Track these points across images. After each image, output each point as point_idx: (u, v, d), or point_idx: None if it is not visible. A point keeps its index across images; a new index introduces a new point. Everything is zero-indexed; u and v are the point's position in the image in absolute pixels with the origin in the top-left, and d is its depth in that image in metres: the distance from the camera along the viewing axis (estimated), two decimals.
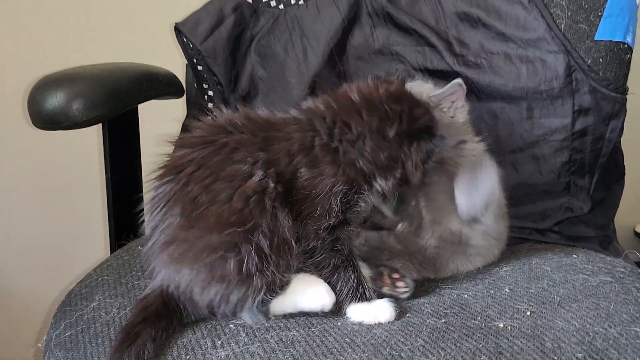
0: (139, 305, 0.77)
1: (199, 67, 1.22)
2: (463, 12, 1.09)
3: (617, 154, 1.09)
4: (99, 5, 1.57)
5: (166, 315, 0.76)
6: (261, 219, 0.74)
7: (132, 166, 1.16)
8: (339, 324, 0.79)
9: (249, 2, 1.19)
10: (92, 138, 1.48)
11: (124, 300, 0.86)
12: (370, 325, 0.78)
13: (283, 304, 0.78)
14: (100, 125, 1.11)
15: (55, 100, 0.97)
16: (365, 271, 0.84)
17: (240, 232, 0.73)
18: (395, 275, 0.85)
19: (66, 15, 1.56)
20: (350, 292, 0.80)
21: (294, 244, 0.77)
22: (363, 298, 0.80)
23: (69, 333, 0.82)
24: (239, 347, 0.73)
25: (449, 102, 0.90)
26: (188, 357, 0.73)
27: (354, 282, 0.80)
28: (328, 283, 0.80)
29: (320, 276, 0.81)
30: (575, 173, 1.07)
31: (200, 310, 0.78)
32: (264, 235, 0.74)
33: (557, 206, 1.09)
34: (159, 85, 1.15)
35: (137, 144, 1.17)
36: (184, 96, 1.27)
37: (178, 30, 1.19)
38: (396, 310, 0.79)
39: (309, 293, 0.79)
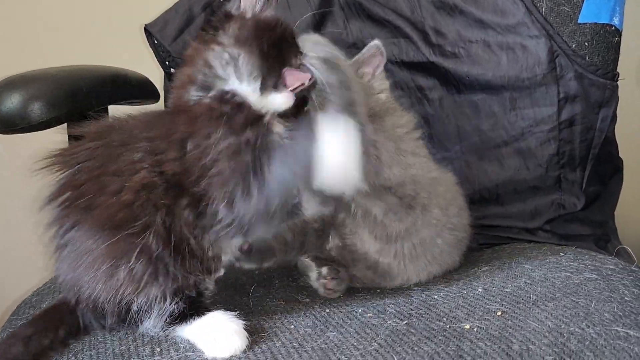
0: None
1: (172, 70, 1.18)
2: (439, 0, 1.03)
3: (610, 145, 1.01)
4: (81, 8, 1.56)
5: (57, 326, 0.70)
6: (153, 216, 0.67)
7: None
8: (292, 326, 0.72)
9: (219, 1, 1.15)
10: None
11: None
12: (324, 325, 0.72)
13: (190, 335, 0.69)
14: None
15: (9, 102, 0.94)
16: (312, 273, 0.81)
17: (129, 234, 0.66)
18: (328, 278, 0.81)
19: (39, 19, 1.55)
20: None
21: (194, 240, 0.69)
22: None
23: None
24: (177, 355, 0.67)
25: (370, 68, 0.82)
26: None
27: None
28: None
29: None
30: (565, 166, 1.00)
31: (108, 319, 0.70)
32: (157, 235, 0.66)
33: (548, 203, 1.01)
34: (127, 87, 1.11)
35: None
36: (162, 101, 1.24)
37: (148, 31, 1.16)
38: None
39: (219, 338, 0.67)
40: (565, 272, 0.78)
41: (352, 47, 1.10)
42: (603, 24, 0.96)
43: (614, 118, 0.99)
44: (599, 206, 1.04)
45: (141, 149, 0.69)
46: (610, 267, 0.80)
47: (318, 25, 1.10)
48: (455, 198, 0.85)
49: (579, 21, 0.96)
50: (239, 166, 0.65)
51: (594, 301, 0.69)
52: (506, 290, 0.76)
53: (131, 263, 0.65)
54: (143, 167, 0.68)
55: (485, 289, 0.77)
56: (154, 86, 1.21)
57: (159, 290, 0.67)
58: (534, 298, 0.72)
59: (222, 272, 0.75)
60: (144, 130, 0.70)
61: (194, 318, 0.69)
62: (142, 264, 0.66)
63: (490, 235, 1.01)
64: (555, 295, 0.72)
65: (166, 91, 1.22)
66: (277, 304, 0.80)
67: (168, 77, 1.19)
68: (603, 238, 1.02)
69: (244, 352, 0.66)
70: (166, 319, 0.68)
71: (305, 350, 0.66)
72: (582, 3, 0.95)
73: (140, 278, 0.66)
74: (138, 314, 0.67)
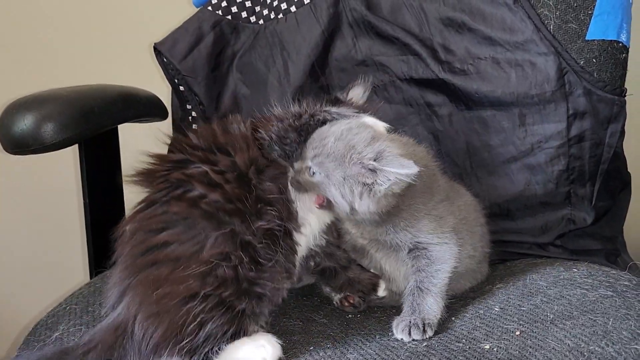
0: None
1: (181, 88, 1.19)
2: (447, 17, 1.04)
3: (619, 160, 1.02)
4: (86, 28, 1.56)
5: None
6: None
7: (113, 190, 1.12)
8: (311, 347, 0.73)
9: (228, 19, 1.15)
10: (69, 162, 1.45)
11: (89, 330, 0.81)
12: (344, 347, 0.72)
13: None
14: (77, 149, 1.08)
15: (23, 123, 0.94)
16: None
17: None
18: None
19: (49, 39, 1.55)
20: None
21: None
22: None
23: None
24: None
25: None
26: None
27: None
28: None
29: None
30: (575, 182, 1.00)
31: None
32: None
33: (558, 218, 1.02)
34: (137, 106, 1.12)
35: (117, 167, 1.13)
36: (170, 120, 1.24)
37: (157, 50, 1.16)
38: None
39: (250, 345, 0.71)
40: (581, 289, 0.79)
41: (362, 65, 1.11)
42: (610, 40, 0.97)
43: (622, 133, 1.00)
44: (608, 221, 1.05)
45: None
46: (625, 283, 0.81)
47: (327, 42, 1.11)
48: (478, 217, 0.88)
49: (586, 38, 0.97)
50: None
51: (611, 319, 0.70)
52: (523, 309, 0.76)
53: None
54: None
55: (502, 308, 0.78)
56: (163, 104, 1.21)
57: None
58: (551, 317, 0.72)
59: None
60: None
61: None
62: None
63: (502, 251, 1.02)
64: (572, 313, 0.72)
65: (174, 109, 1.23)
66: (295, 324, 0.81)
67: (177, 95, 1.20)
68: (613, 253, 1.02)
69: None
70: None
71: None
72: (590, 20, 0.96)
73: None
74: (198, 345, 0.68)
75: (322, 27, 1.09)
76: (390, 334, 0.75)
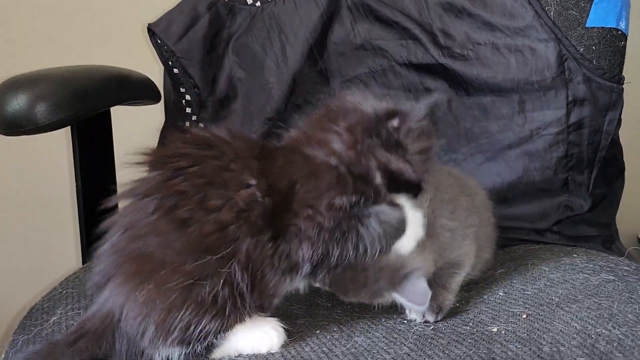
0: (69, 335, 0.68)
1: (175, 70, 1.17)
2: (447, 2, 1.03)
3: (616, 148, 1.03)
4: (77, 8, 1.53)
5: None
6: (244, 241, 0.65)
7: (105, 174, 1.09)
8: (317, 331, 0.72)
9: (225, 0, 1.13)
10: (61, 144, 1.42)
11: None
12: (350, 330, 0.72)
13: (223, 350, 0.68)
14: (69, 131, 1.05)
15: (16, 103, 0.91)
16: None
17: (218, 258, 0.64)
18: None
19: (41, 19, 1.51)
20: None
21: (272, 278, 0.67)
22: None
23: (27, 350, 0.76)
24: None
25: None
26: None
27: None
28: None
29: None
30: (573, 169, 1.01)
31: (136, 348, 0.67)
32: (242, 266, 0.65)
33: (556, 205, 1.03)
34: (130, 88, 1.09)
35: (110, 150, 1.11)
36: (161, 103, 1.22)
37: (151, 31, 1.14)
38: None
39: (254, 333, 0.68)
40: (583, 274, 0.79)
41: (360, 49, 1.10)
42: (610, 28, 0.97)
43: (619, 121, 1.01)
44: (604, 208, 1.06)
45: (252, 167, 0.67)
46: (625, 268, 0.82)
47: (325, 26, 1.10)
48: (484, 204, 0.88)
49: (586, 25, 0.97)
50: (331, 239, 0.67)
51: (615, 302, 0.70)
52: (527, 292, 0.77)
53: (215, 288, 0.64)
54: (251, 184, 0.66)
55: (506, 292, 0.78)
56: (156, 87, 1.19)
57: (225, 321, 0.65)
58: (556, 300, 0.73)
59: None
60: (255, 153, 0.69)
61: None
62: (225, 291, 0.64)
63: (499, 237, 1.02)
64: (577, 297, 0.73)
65: (166, 92, 1.21)
66: (298, 307, 0.80)
67: (171, 77, 1.17)
68: (609, 239, 1.04)
69: (280, 352, 0.66)
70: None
71: (335, 355, 0.66)
72: (590, 7, 0.97)
73: (220, 304, 0.64)
74: (193, 339, 0.65)
75: (321, 10, 1.08)
76: (395, 317, 0.75)
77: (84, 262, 1.08)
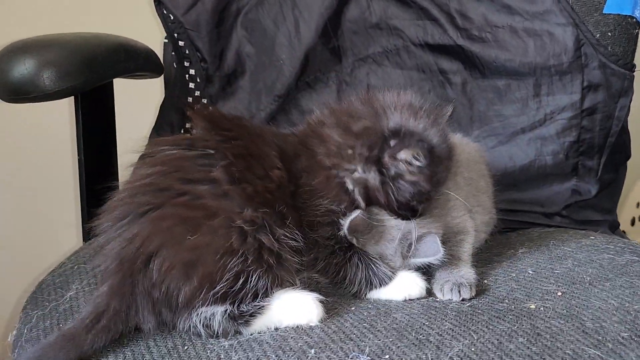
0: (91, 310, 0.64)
1: (180, 43, 1.13)
2: None
3: (625, 134, 1.05)
4: None
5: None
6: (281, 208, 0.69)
7: (107, 148, 1.05)
8: (353, 308, 0.71)
9: None
10: (63, 115, 1.36)
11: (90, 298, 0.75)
12: (386, 308, 0.71)
13: (263, 320, 0.67)
14: (72, 102, 1.01)
15: (23, 67, 0.87)
16: None
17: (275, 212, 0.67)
18: None
19: None
20: (364, 280, 0.73)
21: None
22: (380, 283, 0.73)
23: (43, 326, 0.72)
24: (245, 336, 0.65)
25: None
26: (186, 347, 0.64)
27: (364, 270, 0.73)
28: (341, 280, 0.74)
29: (327, 279, 0.75)
30: (583, 154, 1.03)
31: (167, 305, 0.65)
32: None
33: (565, 189, 1.04)
34: (137, 59, 1.05)
35: (112, 123, 1.07)
36: (161, 78, 1.18)
37: (158, 0, 1.10)
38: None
39: (295, 307, 0.68)
40: (607, 254, 0.81)
41: (375, 28, 1.09)
42: (625, 15, 0.99)
43: (629, 109, 1.03)
44: (609, 194, 1.08)
45: (275, 151, 0.71)
46: None
47: (341, 3, 1.08)
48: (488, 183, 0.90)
49: (603, 11, 0.99)
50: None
51: None
52: (556, 271, 0.77)
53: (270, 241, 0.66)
54: (279, 167, 0.70)
55: (535, 271, 0.78)
56: (159, 59, 1.15)
57: (273, 278, 0.66)
58: (588, 279, 0.74)
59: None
60: (274, 139, 0.74)
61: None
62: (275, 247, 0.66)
63: (510, 220, 1.03)
64: (607, 275, 0.74)
65: (166, 66, 1.17)
66: (327, 286, 0.78)
67: (175, 50, 1.14)
68: (614, 224, 1.06)
69: (316, 328, 0.65)
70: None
71: (378, 330, 0.65)
72: None
73: (272, 259, 0.66)
74: (239, 294, 0.65)
75: None
76: (428, 296, 0.74)
77: (84, 238, 1.04)
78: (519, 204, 1.05)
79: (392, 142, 0.70)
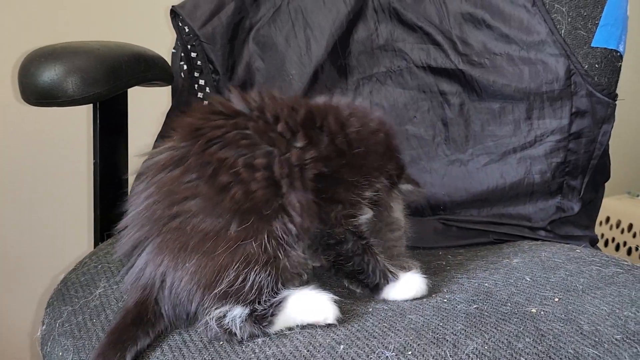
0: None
1: (192, 54, 1.18)
2: (468, 12, 1.11)
3: (605, 157, 1.14)
4: None
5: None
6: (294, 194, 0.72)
7: (120, 153, 1.09)
8: (370, 310, 0.77)
9: None
10: (81, 121, 1.39)
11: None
12: (400, 309, 0.77)
13: (280, 322, 0.71)
14: (89, 108, 1.05)
15: (53, 72, 0.91)
16: None
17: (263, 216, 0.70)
18: None
19: None
20: (381, 274, 0.79)
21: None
22: (393, 276, 0.80)
23: (75, 320, 0.76)
24: (275, 332, 0.70)
25: None
26: (221, 342, 0.68)
27: (380, 264, 0.80)
28: (358, 271, 0.79)
29: (346, 267, 0.80)
30: (569, 174, 1.11)
31: (185, 313, 0.70)
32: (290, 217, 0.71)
33: (550, 206, 1.13)
34: (154, 68, 1.10)
35: (125, 130, 1.11)
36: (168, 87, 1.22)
37: (174, 12, 1.14)
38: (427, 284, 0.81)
39: (311, 306, 0.73)
40: (595, 266, 0.89)
41: (381, 49, 1.16)
42: (611, 49, 1.08)
43: (610, 134, 1.12)
44: (588, 211, 1.17)
45: (297, 129, 0.76)
46: (625, 263, 0.92)
47: (351, 24, 1.15)
48: None
49: (592, 45, 1.08)
50: None
51: (632, 290, 0.80)
52: (551, 280, 0.85)
53: (262, 242, 0.69)
54: (299, 147, 0.75)
55: (532, 279, 0.86)
56: (170, 68, 1.19)
57: (275, 270, 0.70)
58: (580, 287, 0.81)
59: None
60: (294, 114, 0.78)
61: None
62: (272, 242, 0.69)
63: (499, 233, 1.11)
64: (598, 285, 0.82)
65: (175, 74, 1.21)
66: (340, 291, 0.84)
67: (187, 61, 1.18)
68: (594, 239, 1.14)
69: (340, 327, 0.70)
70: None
71: (398, 329, 0.70)
72: (596, 29, 1.07)
73: (268, 254, 0.69)
74: (252, 292, 0.68)
75: (349, 9, 1.13)
76: (432, 298, 0.81)
77: (96, 239, 1.07)
78: (507, 218, 1.13)
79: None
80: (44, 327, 0.79)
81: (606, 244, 2.07)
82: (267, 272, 0.70)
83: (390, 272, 0.80)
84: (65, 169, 1.51)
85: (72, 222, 1.48)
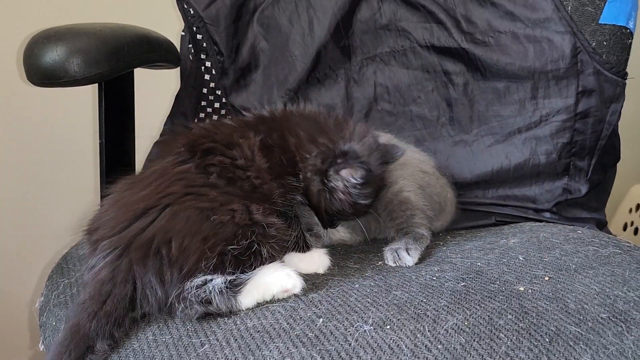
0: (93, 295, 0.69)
1: (198, 36, 1.19)
2: None
3: (615, 137, 1.11)
4: None
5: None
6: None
7: (126, 134, 1.11)
8: (357, 286, 0.77)
9: None
10: (87, 100, 1.42)
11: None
12: (387, 286, 0.77)
13: (251, 290, 0.73)
14: (95, 89, 1.07)
15: (55, 53, 0.93)
16: None
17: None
18: None
19: None
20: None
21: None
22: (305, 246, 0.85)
23: (70, 292, 0.78)
24: (259, 307, 0.71)
25: None
26: (207, 321, 0.70)
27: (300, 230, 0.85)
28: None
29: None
30: (575, 155, 1.09)
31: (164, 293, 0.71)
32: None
33: (557, 187, 1.10)
34: (159, 49, 1.11)
35: (132, 110, 1.12)
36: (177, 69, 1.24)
37: None
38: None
39: (277, 275, 0.75)
40: (592, 247, 0.87)
41: (384, 29, 1.15)
42: (620, 26, 1.05)
43: (619, 113, 1.09)
44: (597, 194, 1.14)
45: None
46: (626, 244, 0.90)
47: (354, 4, 1.14)
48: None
49: (600, 22, 1.05)
50: None
51: (627, 270, 0.78)
52: (545, 259, 0.83)
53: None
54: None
55: (525, 258, 0.85)
56: (177, 51, 1.21)
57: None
58: (573, 267, 0.80)
59: None
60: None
61: None
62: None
63: (504, 214, 1.09)
64: (591, 264, 0.80)
65: (183, 57, 1.23)
66: (331, 269, 0.85)
67: (193, 43, 1.19)
68: (602, 222, 1.12)
69: (323, 302, 0.71)
70: None
71: (380, 305, 0.71)
72: (604, 5, 1.04)
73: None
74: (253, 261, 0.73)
75: None
76: (424, 274, 0.81)
77: None
78: (512, 199, 1.11)
79: (339, 160, 0.83)
80: (42, 298, 0.82)
81: (636, 232, 2.02)
82: (264, 245, 0.75)
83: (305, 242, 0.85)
84: (72, 148, 1.55)
85: (80, 197, 1.52)
